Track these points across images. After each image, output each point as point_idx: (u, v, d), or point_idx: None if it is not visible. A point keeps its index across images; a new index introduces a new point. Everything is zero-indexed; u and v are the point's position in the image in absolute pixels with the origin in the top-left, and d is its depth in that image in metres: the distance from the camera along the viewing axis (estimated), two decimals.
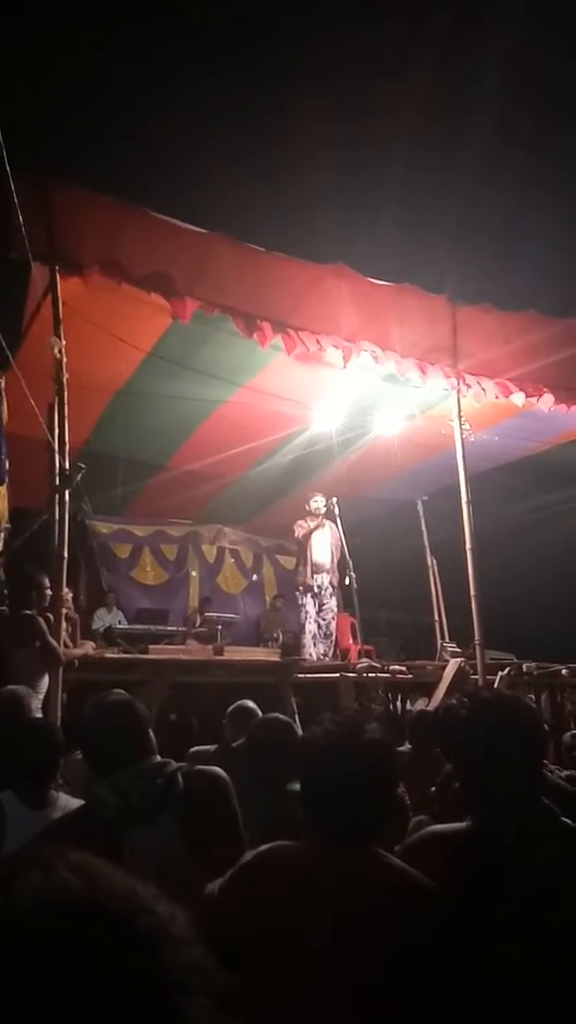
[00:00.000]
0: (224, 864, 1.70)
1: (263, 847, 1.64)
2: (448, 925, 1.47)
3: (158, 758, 2.09)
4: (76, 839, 1.95)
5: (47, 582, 4.83)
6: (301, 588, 8.22)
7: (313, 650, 7.86)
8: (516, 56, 13.78)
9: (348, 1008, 1.38)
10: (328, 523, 8.22)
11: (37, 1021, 0.39)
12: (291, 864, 1.56)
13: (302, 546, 8.20)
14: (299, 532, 8.26)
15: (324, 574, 8.16)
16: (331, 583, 8.18)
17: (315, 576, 8.13)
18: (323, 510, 8.18)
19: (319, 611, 8.12)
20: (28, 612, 4.69)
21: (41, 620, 4.64)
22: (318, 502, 8.18)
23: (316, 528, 8.19)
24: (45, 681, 4.63)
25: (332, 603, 8.22)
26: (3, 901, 0.42)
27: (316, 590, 8.12)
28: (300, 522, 8.29)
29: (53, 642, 4.62)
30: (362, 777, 1.56)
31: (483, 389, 6.60)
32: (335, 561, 8.19)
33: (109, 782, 2.00)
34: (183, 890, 0.50)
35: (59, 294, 5.00)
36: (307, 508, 8.26)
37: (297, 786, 1.75)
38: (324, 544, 8.20)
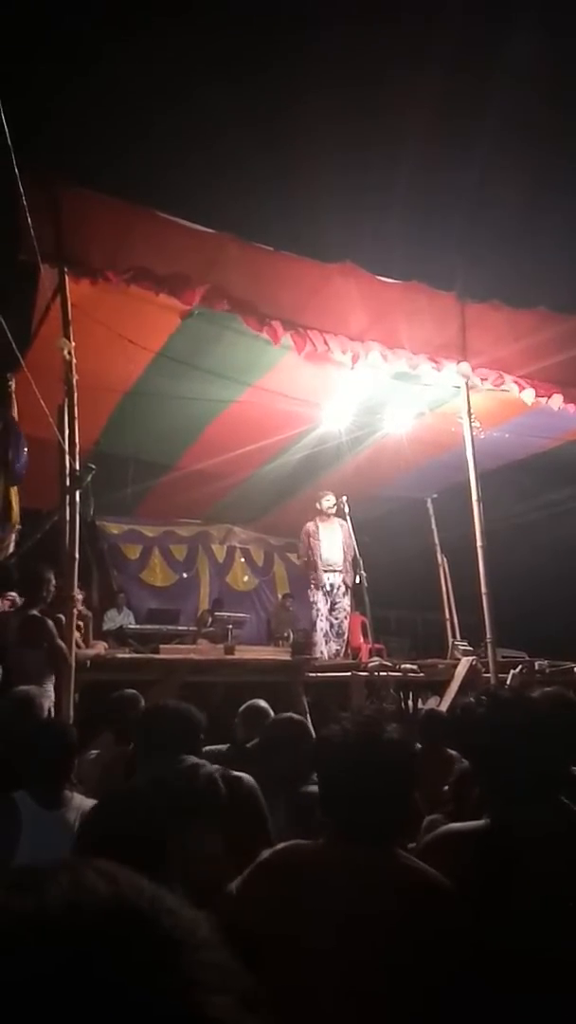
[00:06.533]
0: None
1: (279, 846, 1.64)
2: (465, 923, 1.46)
3: (196, 759, 2.13)
4: (120, 837, 1.96)
5: (52, 577, 4.86)
6: (313, 586, 8.22)
7: (324, 649, 7.86)
8: (525, 53, 13.73)
9: (366, 1007, 1.38)
10: (338, 521, 8.21)
11: (63, 1015, 0.40)
12: (308, 863, 1.55)
13: (311, 548, 8.19)
14: (304, 540, 8.27)
15: (336, 573, 8.15)
16: (343, 582, 8.18)
17: (327, 575, 8.12)
18: (333, 509, 8.17)
19: (331, 610, 8.11)
20: (35, 614, 4.72)
21: (49, 622, 4.67)
22: (328, 501, 8.18)
23: (323, 523, 8.18)
24: (52, 681, 4.66)
25: (345, 602, 8.21)
26: (33, 902, 0.44)
27: (328, 588, 8.11)
28: (308, 525, 8.29)
29: (61, 643, 4.64)
30: (381, 777, 1.56)
31: (500, 376, 6.57)
32: (347, 560, 8.18)
33: (151, 776, 2.03)
34: (218, 891, 0.51)
35: (68, 296, 5.02)
36: (317, 507, 8.26)
37: (311, 787, 1.75)
38: (335, 543, 8.18)
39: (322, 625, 8.03)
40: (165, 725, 2.25)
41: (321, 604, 8.08)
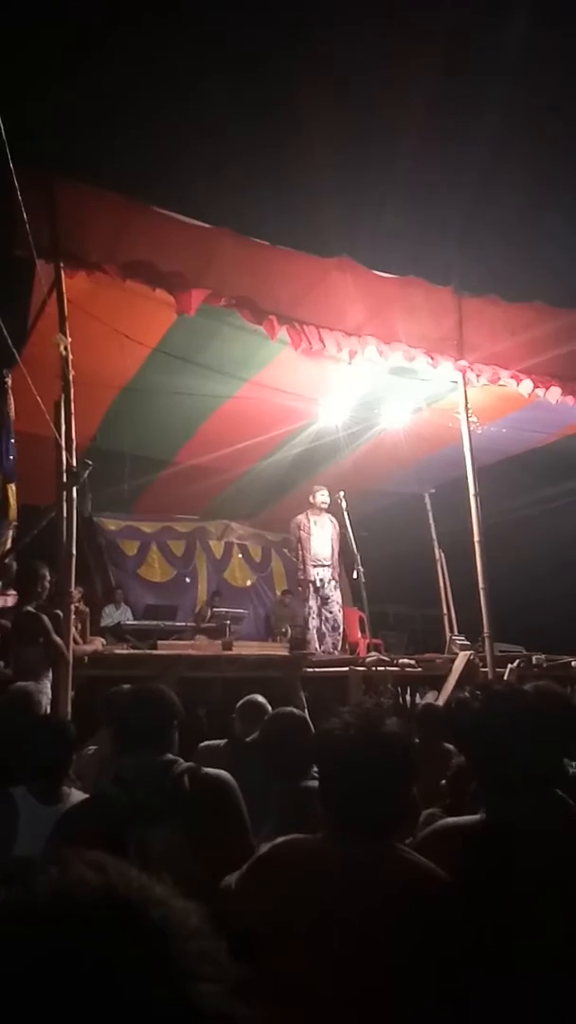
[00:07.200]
0: (232, 869, 1.70)
1: (279, 840, 1.64)
2: (463, 917, 1.47)
3: (171, 756, 2.09)
4: (84, 837, 1.97)
5: (47, 572, 4.86)
6: (302, 585, 8.22)
7: (318, 645, 7.86)
8: (523, 49, 13.70)
9: (365, 1000, 1.38)
10: (328, 516, 8.22)
11: (53, 1003, 0.40)
12: (308, 857, 1.55)
13: (301, 542, 8.20)
14: (294, 532, 8.27)
15: (325, 568, 8.15)
16: (333, 576, 8.19)
17: (316, 570, 8.12)
18: (326, 504, 8.17)
19: (324, 604, 8.11)
20: (29, 609, 4.71)
21: (45, 617, 4.66)
22: (322, 495, 8.18)
23: (315, 517, 8.18)
24: (49, 677, 4.66)
25: (336, 595, 8.21)
26: (23, 893, 0.44)
27: (318, 584, 8.12)
28: (299, 518, 8.28)
29: (57, 639, 4.63)
30: (382, 770, 1.55)
31: (497, 375, 6.57)
32: (335, 554, 8.20)
33: (115, 772, 2.01)
34: (188, 892, 0.51)
35: (64, 291, 5.00)
36: (310, 500, 8.26)
37: (310, 781, 1.74)
38: (324, 538, 8.19)
39: (313, 622, 8.03)
40: (135, 717, 2.16)
41: (312, 601, 8.08)
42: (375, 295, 6.01)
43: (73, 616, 4.98)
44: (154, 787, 1.96)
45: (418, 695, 8.04)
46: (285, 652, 6.90)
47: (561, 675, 7.80)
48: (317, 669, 6.70)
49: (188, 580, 11.22)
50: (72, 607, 4.95)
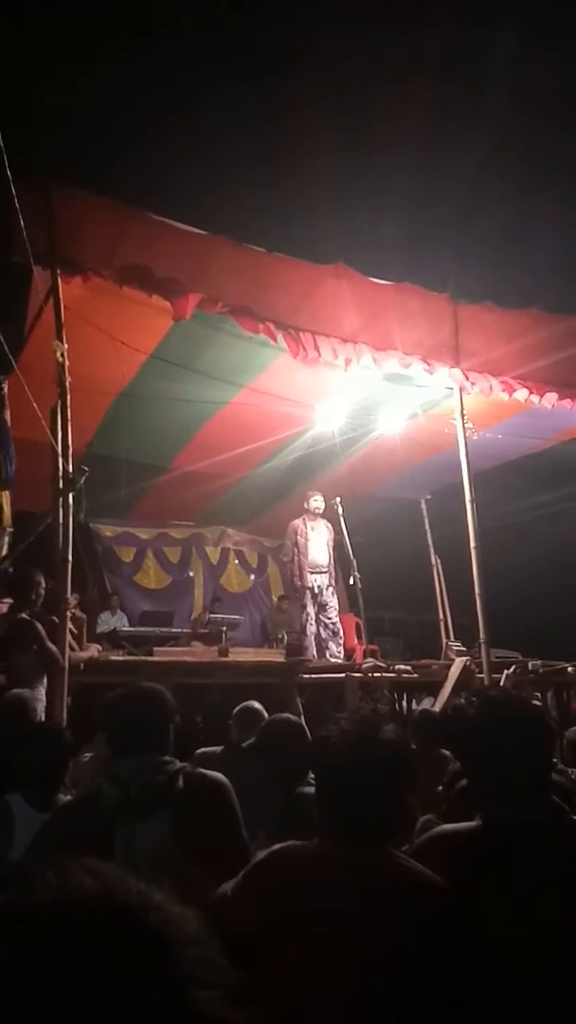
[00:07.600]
0: (224, 868, 1.70)
1: (276, 847, 1.63)
2: (461, 923, 1.47)
3: (167, 757, 2.10)
4: (72, 828, 1.98)
5: (42, 579, 4.85)
6: (299, 592, 8.21)
7: (319, 653, 7.85)
8: (518, 58, 13.80)
9: (362, 1008, 1.38)
10: (323, 522, 8.22)
11: (51, 1009, 0.40)
12: (305, 864, 1.55)
13: (298, 547, 8.19)
14: (291, 537, 8.27)
15: (322, 574, 8.15)
16: (330, 582, 8.18)
17: (313, 576, 8.11)
18: (321, 509, 8.18)
19: (323, 610, 8.10)
20: (24, 617, 4.70)
21: (39, 624, 4.65)
22: (317, 500, 8.19)
23: (311, 522, 8.19)
24: (44, 684, 4.64)
25: (334, 600, 8.21)
26: (20, 898, 0.44)
27: (316, 590, 8.11)
28: (296, 523, 8.28)
29: (51, 646, 4.61)
30: (378, 777, 1.55)
31: (489, 386, 6.59)
32: (332, 560, 8.20)
33: (112, 772, 2.02)
34: (176, 888, 0.51)
35: (61, 298, 5.01)
36: (305, 506, 8.27)
37: (307, 788, 1.74)
38: (320, 544, 8.19)
39: (311, 629, 8.01)
40: (132, 717, 2.16)
41: (310, 607, 8.07)
42: (371, 302, 6.03)
43: (69, 623, 4.97)
44: (149, 784, 1.97)
45: (414, 701, 8.04)
46: (281, 658, 6.89)
47: (558, 681, 7.83)
48: (313, 675, 6.69)
49: (192, 575, 11.19)
50: (68, 614, 4.93)
